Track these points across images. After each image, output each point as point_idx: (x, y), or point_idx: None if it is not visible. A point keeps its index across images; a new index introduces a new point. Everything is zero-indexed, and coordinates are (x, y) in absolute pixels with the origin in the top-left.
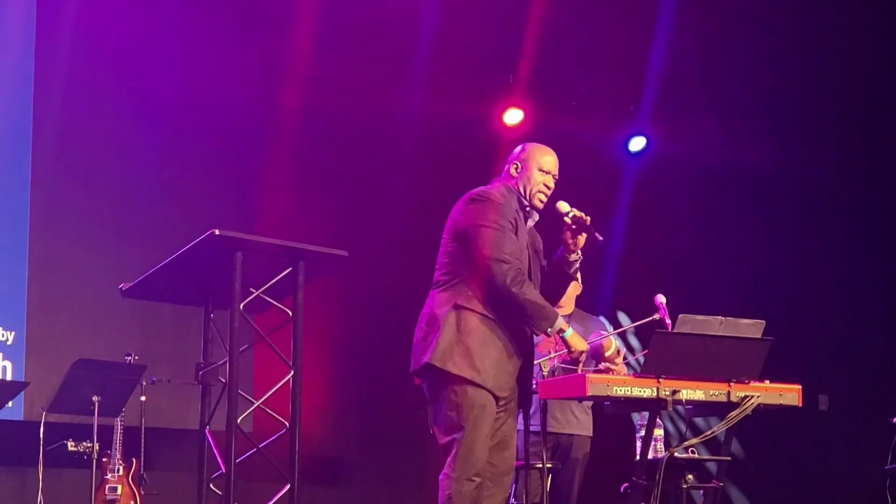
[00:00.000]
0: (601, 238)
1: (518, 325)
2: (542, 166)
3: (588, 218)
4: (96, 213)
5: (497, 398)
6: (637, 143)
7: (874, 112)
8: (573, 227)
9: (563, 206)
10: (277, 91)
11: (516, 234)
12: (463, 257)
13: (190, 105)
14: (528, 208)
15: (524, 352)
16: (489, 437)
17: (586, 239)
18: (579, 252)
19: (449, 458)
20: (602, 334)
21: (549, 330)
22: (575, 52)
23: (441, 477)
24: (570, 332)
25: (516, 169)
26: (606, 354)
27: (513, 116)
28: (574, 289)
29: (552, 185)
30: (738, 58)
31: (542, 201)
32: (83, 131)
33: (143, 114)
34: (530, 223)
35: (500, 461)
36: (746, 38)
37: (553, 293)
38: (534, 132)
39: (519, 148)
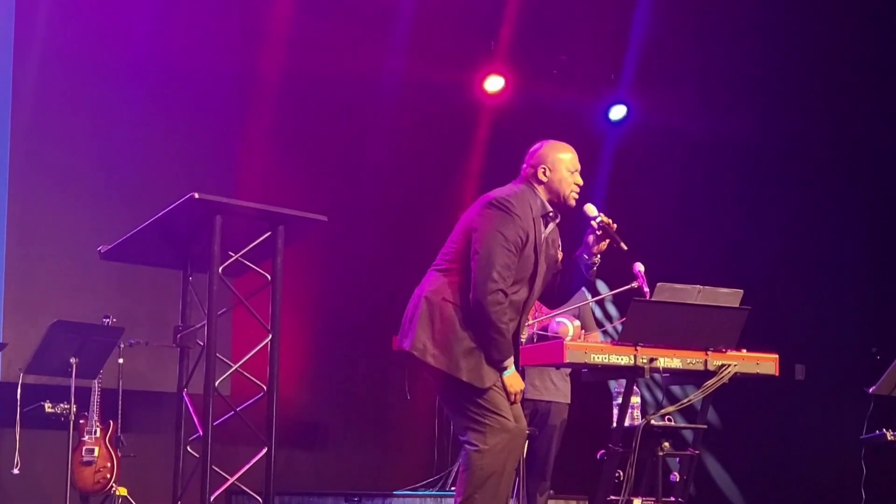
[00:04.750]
0: (626, 248)
1: None
2: (570, 167)
3: (615, 225)
4: (76, 175)
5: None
6: (618, 112)
7: (855, 82)
8: (598, 232)
9: (590, 209)
10: (257, 55)
11: (525, 244)
12: (465, 255)
13: (170, 68)
14: (551, 213)
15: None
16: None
17: (608, 245)
18: (598, 256)
19: (471, 436)
20: (560, 323)
21: (501, 366)
22: (556, 20)
23: (471, 451)
24: (510, 372)
25: (544, 173)
26: (567, 341)
27: (494, 84)
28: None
29: (581, 181)
30: (719, 27)
31: (575, 199)
32: (63, 93)
33: (123, 76)
34: (552, 226)
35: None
36: (728, 7)
37: (565, 290)
38: (514, 100)
39: (538, 148)
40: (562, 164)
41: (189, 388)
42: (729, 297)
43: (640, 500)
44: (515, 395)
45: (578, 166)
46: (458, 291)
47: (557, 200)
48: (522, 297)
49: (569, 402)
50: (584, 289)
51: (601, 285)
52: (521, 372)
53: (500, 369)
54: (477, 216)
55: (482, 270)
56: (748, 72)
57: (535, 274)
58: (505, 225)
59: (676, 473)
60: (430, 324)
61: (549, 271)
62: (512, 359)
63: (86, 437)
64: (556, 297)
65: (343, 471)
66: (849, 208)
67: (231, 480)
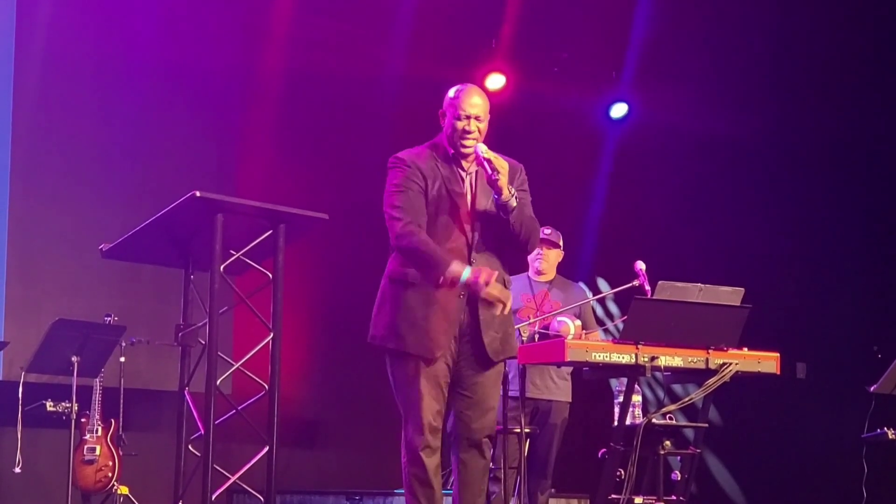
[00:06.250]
0: (496, 177)
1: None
2: (458, 112)
3: (489, 154)
4: (77, 174)
5: (428, 360)
6: (619, 110)
7: (857, 81)
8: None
9: (479, 148)
10: (259, 53)
11: (427, 185)
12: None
13: (171, 66)
14: (456, 154)
15: (465, 309)
16: (433, 401)
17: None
18: (508, 191)
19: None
20: (561, 321)
21: (443, 279)
22: (557, 18)
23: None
24: (466, 274)
25: (442, 119)
26: (568, 339)
27: (495, 81)
28: (556, 255)
29: (475, 126)
30: (720, 25)
31: (466, 146)
32: (64, 92)
33: (124, 74)
34: (471, 169)
35: (476, 427)
36: (729, 5)
37: (499, 237)
38: (516, 97)
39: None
40: (450, 109)
41: (190, 386)
42: (730, 295)
43: (641, 499)
44: (495, 297)
45: (472, 110)
46: (395, 262)
47: (454, 148)
48: (462, 243)
49: (570, 400)
50: (585, 288)
51: (603, 283)
52: (522, 371)
53: (452, 280)
54: None
55: (386, 221)
56: (749, 70)
57: (461, 216)
58: (392, 177)
59: (678, 472)
60: (377, 306)
61: (475, 217)
62: (458, 263)
63: (87, 436)
64: (512, 242)
65: (344, 469)
66: (850, 207)
67: (232, 479)
